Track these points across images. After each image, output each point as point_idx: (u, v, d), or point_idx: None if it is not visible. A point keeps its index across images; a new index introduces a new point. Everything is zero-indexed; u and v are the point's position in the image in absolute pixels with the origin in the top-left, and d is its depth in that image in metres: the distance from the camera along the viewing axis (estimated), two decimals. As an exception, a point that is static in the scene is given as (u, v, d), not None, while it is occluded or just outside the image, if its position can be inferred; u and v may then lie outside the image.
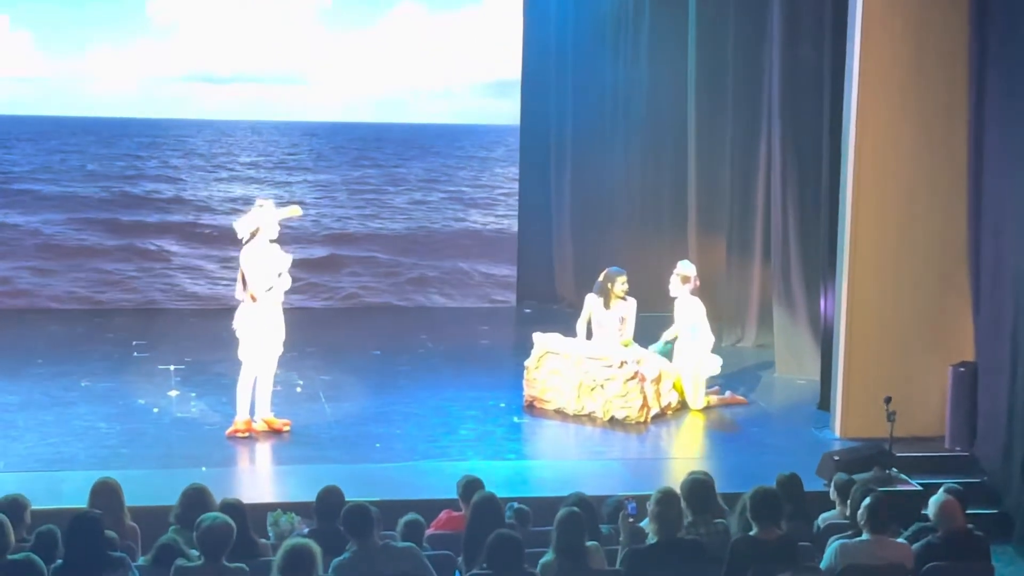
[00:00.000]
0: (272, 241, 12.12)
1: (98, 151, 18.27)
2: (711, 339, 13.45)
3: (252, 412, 12.32)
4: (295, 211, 12.53)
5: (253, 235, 12.07)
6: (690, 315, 13.32)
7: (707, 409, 13.32)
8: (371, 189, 18.76)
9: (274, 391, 12.92)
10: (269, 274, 12.05)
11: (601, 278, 13.44)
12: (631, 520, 8.42)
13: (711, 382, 13.55)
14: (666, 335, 13.53)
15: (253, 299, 12.02)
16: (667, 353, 13.45)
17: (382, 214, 18.64)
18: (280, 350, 12.36)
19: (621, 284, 13.34)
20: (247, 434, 12.22)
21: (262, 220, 12.07)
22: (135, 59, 17.85)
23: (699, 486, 8.55)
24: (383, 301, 18.23)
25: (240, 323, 12.20)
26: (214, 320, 12.98)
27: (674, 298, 13.40)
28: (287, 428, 12.42)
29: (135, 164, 18.35)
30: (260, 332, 12.12)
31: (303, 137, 19.10)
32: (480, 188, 18.85)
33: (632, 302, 13.35)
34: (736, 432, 12.96)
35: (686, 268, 13.40)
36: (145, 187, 18.17)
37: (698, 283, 13.44)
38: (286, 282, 12.20)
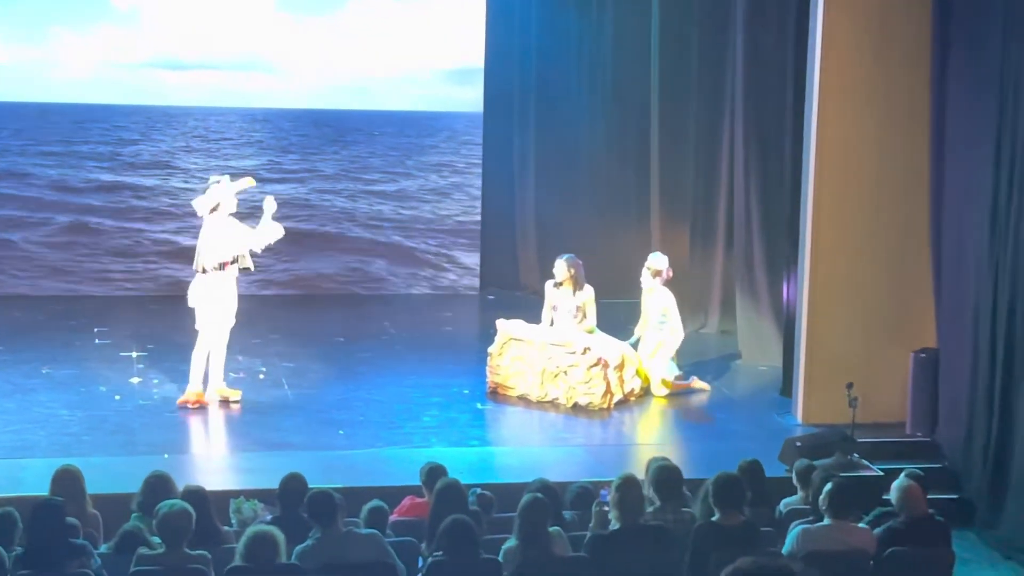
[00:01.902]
0: (231, 215, 12.45)
1: (30, 137, 18.16)
2: (680, 333, 13.43)
3: (204, 384, 12.51)
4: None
5: (213, 211, 12.34)
6: (660, 304, 13.31)
7: (670, 395, 13.35)
8: (332, 175, 18.70)
9: (237, 377, 12.98)
10: (230, 247, 12.35)
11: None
12: (604, 508, 8.44)
13: (679, 369, 13.58)
14: (637, 331, 13.52)
15: (224, 267, 12.34)
16: (635, 346, 13.46)
17: (345, 200, 18.59)
18: (232, 322, 12.58)
19: (557, 267, 13.29)
20: (196, 405, 12.39)
21: (221, 195, 12.32)
22: (96, 45, 17.74)
23: (667, 472, 8.58)
24: (346, 288, 18.20)
25: (195, 295, 12.43)
26: (176, 307, 12.89)
27: (644, 288, 13.41)
28: (237, 399, 12.65)
29: (53, 150, 18.22)
30: (215, 304, 12.37)
31: (254, 123, 19.00)
32: (443, 175, 18.81)
33: (589, 290, 13.31)
34: (699, 418, 13.00)
35: (657, 261, 13.39)
36: (51, 174, 18.06)
37: (670, 274, 13.44)
38: (276, 232, 12.57)
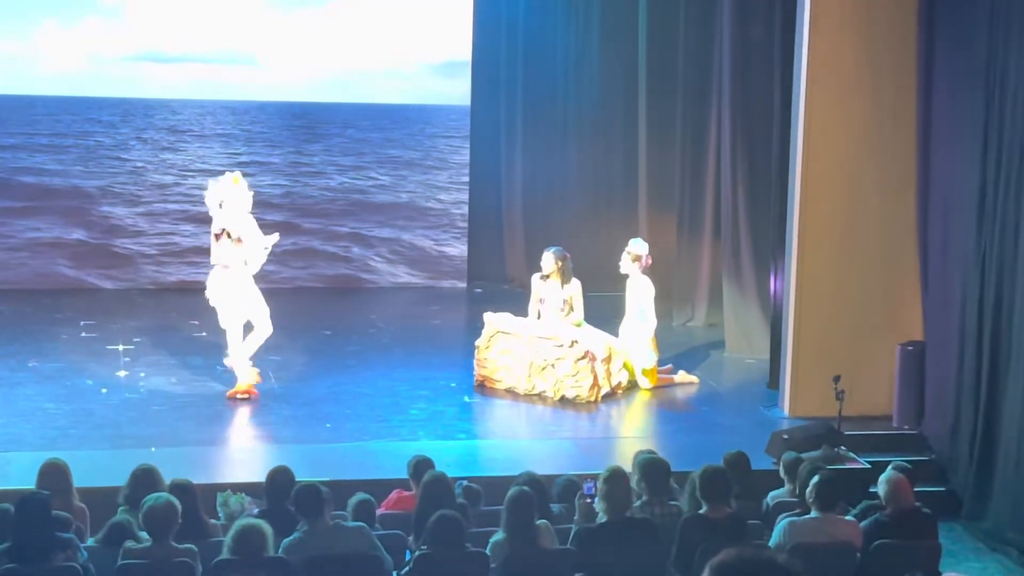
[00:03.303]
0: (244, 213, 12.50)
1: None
2: (654, 322, 13.43)
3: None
4: (273, 239, 12.68)
5: (221, 206, 12.41)
6: (638, 295, 13.33)
7: (657, 388, 13.35)
8: (314, 169, 18.68)
9: (223, 371, 12.94)
10: (246, 244, 12.42)
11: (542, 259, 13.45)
12: (588, 500, 8.44)
13: (663, 361, 13.58)
14: (622, 328, 13.52)
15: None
16: None
17: (330, 192, 18.57)
18: (244, 319, 12.67)
19: (544, 260, 13.27)
20: (245, 396, 12.62)
21: (224, 193, 12.37)
22: (82, 38, 17.69)
23: (655, 466, 8.58)
24: (333, 281, 18.17)
25: (215, 290, 12.51)
26: (162, 300, 12.83)
27: (625, 275, 13.42)
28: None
29: (11, 142, 18.16)
30: (235, 298, 12.49)
31: (229, 115, 18.95)
32: (430, 168, 18.80)
33: (576, 283, 13.30)
34: (686, 411, 13.01)
35: (637, 247, 13.39)
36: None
37: (649, 261, 13.43)
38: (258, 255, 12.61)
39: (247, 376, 12.62)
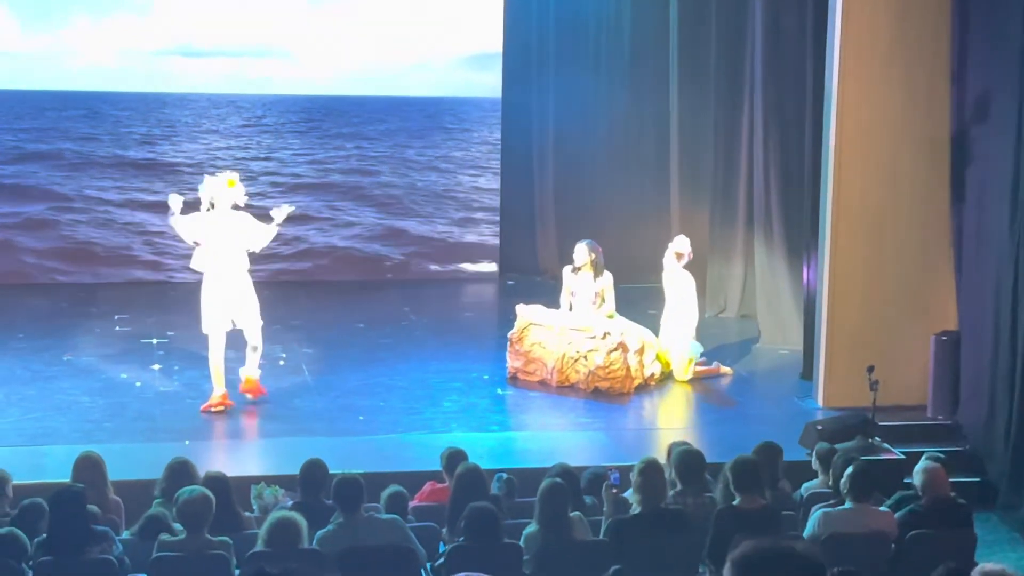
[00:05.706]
0: (237, 208, 12.01)
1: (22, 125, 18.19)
2: (695, 316, 13.41)
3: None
4: (287, 209, 12.24)
5: (212, 206, 11.96)
6: (679, 287, 13.29)
7: (691, 380, 13.32)
8: (345, 162, 18.70)
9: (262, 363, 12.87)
10: (222, 245, 11.95)
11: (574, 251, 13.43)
12: (615, 490, 8.43)
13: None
14: (663, 322, 13.49)
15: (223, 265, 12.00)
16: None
17: (357, 185, 18.60)
18: (257, 320, 12.23)
19: (576, 252, 13.23)
20: (221, 408, 12.10)
21: (216, 193, 11.90)
22: (113, 33, 17.73)
23: (690, 457, 8.57)
24: (366, 273, 18.20)
25: (203, 294, 12.17)
26: (195, 294, 12.80)
27: (665, 270, 13.37)
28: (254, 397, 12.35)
29: (27, 137, 18.24)
30: (216, 304, 12.06)
31: (264, 109, 19.00)
32: (462, 160, 18.80)
33: (608, 276, 13.27)
34: (719, 402, 12.98)
35: (681, 245, 13.34)
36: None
37: (691, 256, 13.40)
38: (269, 233, 12.14)
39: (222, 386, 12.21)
